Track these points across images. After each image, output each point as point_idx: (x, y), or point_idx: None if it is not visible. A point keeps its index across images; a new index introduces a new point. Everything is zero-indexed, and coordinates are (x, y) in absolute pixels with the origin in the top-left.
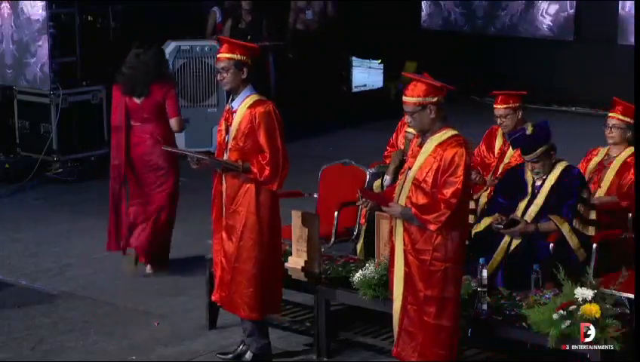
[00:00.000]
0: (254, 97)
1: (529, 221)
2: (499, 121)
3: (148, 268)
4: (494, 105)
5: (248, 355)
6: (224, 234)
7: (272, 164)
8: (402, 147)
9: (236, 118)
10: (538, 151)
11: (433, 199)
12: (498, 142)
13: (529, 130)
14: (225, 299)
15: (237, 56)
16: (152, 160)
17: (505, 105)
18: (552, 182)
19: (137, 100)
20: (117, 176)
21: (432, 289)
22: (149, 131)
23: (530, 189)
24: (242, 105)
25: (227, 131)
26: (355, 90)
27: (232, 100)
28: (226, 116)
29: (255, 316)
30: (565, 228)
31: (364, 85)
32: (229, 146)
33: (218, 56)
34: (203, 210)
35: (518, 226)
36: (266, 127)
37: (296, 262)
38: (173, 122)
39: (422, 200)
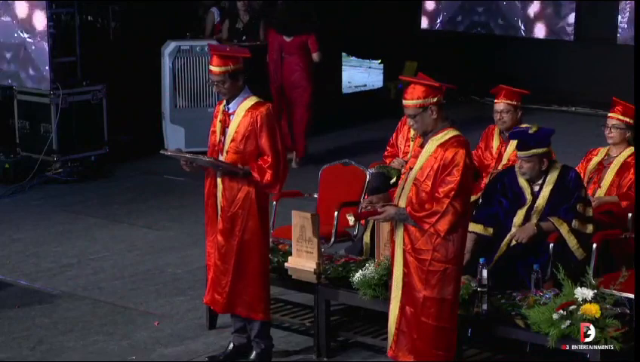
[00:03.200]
0: (253, 99)
1: None
2: (497, 116)
3: (294, 164)
4: (495, 100)
5: (254, 355)
6: (220, 237)
7: (274, 168)
8: (402, 147)
9: (234, 121)
10: (532, 151)
11: (429, 198)
12: (495, 143)
13: (532, 130)
14: (223, 302)
15: (231, 67)
16: (294, 79)
17: (507, 101)
18: (552, 186)
19: (287, 39)
20: (275, 93)
21: (431, 290)
22: (295, 62)
23: (528, 196)
24: (240, 108)
25: (223, 133)
26: (354, 90)
27: (227, 102)
28: (221, 118)
29: (269, 317)
30: (564, 229)
31: (364, 85)
32: (226, 148)
33: (211, 68)
34: (201, 211)
35: (521, 228)
36: (268, 129)
37: (296, 262)
38: (314, 56)
39: (419, 199)
